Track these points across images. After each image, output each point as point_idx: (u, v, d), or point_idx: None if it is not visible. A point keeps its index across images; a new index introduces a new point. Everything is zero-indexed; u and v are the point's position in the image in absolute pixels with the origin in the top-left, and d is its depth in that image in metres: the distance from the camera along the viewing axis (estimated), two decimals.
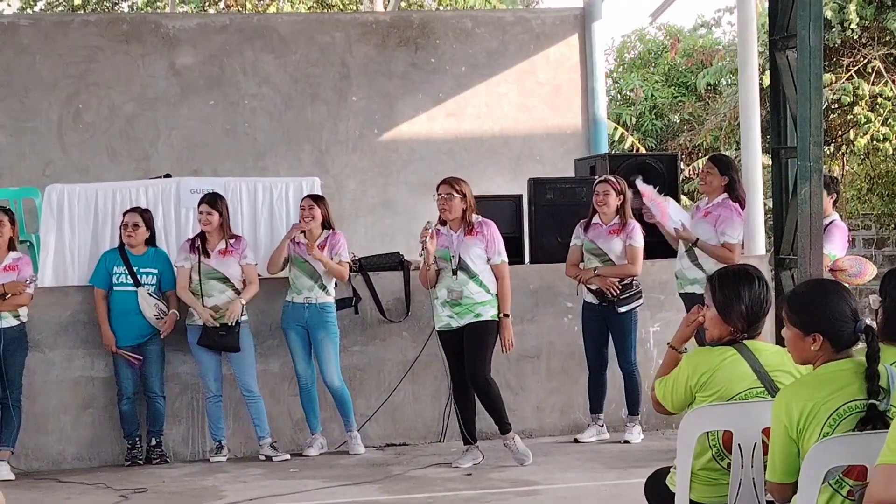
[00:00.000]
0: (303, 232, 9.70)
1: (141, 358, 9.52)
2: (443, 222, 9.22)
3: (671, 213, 9.82)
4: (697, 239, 9.58)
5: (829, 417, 4.23)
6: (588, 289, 9.86)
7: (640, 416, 9.96)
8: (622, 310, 9.76)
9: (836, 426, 4.21)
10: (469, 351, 9.04)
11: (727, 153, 21.96)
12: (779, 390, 4.72)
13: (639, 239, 9.73)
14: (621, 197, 9.76)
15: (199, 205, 9.69)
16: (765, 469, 4.60)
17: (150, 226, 9.76)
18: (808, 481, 4.17)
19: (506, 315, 9.11)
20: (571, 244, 9.96)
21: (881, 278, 4.86)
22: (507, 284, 9.13)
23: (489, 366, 9.11)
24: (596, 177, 10.90)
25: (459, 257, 9.06)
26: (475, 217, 9.18)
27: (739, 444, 4.85)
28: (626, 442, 9.84)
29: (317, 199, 9.89)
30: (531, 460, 9.12)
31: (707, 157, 10.54)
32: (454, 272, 9.06)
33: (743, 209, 9.62)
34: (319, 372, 9.71)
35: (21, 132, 13.66)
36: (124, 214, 9.74)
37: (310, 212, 9.72)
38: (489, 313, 9.08)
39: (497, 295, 9.11)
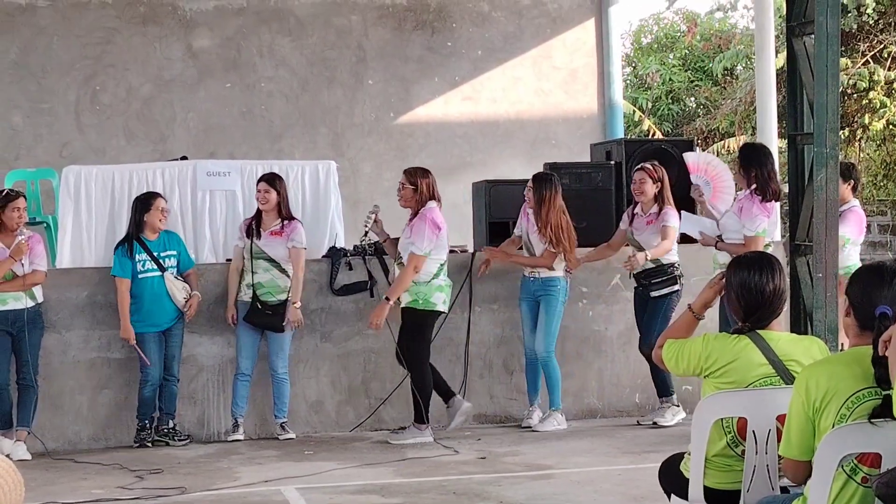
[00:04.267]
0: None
1: (150, 363, 9.56)
2: None
3: (686, 224, 9.75)
4: (717, 242, 9.51)
5: (847, 399, 4.23)
6: (631, 274, 9.93)
7: (673, 397, 9.92)
8: (653, 294, 9.81)
9: (854, 408, 4.21)
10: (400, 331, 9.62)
11: (743, 138, 21.93)
12: (793, 378, 4.74)
13: (672, 219, 9.74)
14: (658, 185, 9.78)
15: (258, 183, 9.79)
16: (779, 458, 4.61)
17: None
18: (822, 468, 4.19)
19: (386, 298, 9.49)
20: (619, 227, 10.13)
21: None
22: (406, 272, 9.42)
23: (415, 353, 9.50)
24: (612, 161, 10.93)
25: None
26: (424, 208, 9.59)
27: (754, 431, 4.86)
28: (655, 424, 9.80)
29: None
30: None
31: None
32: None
33: (775, 200, 9.41)
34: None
35: (38, 113, 13.69)
36: (150, 200, 9.66)
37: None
38: (405, 300, 9.50)
39: (417, 282, 9.49)
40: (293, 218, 9.90)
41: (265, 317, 9.68)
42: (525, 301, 9.99)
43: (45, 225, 11.66)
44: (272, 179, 9.84)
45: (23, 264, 9.26)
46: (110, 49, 13.87)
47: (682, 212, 9.83)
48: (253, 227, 9.82)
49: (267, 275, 9.71)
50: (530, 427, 9.96)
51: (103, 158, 12.99)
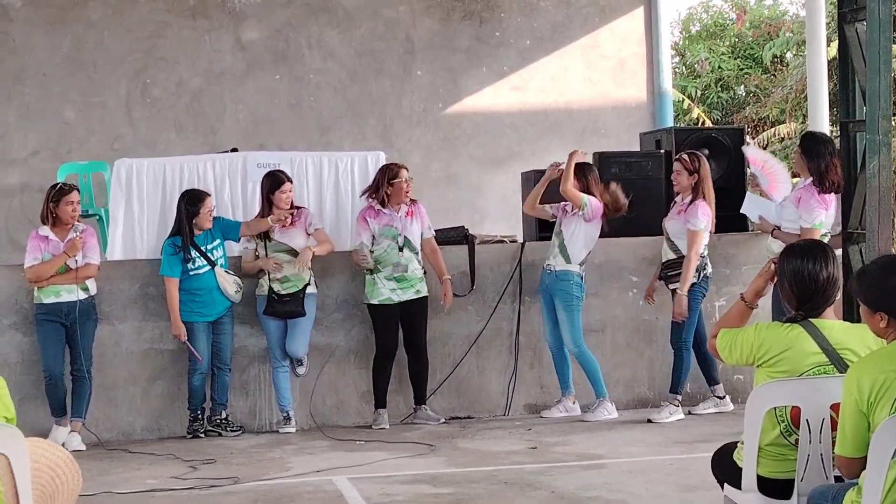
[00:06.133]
0: None
1: (201, 359, 9.63)
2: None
3: (749, 205, 9.71)
4: (774, 229, 9.45)
5: None
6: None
7: (679, 397, 9.82)
8: (671, 287, 9.73)
9: None
10: (416, 323, 9.91)
11: (794, 126, 21.77)
12: (847, 366, 4.71)
13: (697, 220, 9.55)
14: (695, 176, 9.66)
15: (280, 185, 9.74)
16: (833, 444, 4.59)
17: None
18: (877, 457, 4.17)
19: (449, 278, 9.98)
20: None
21: None
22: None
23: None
24: (661, 150, 10.89)
25: (405, 236, 9.84)
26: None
27: (808, 420, 4.84)
28: (650, 421, 9.74)
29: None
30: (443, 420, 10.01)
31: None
32: (400, 249, 9.83)
33: (835, 192, 9.26)
34: None
35: (90, 107, 13.80)
36: (198, 204, 9.63)
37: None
38: (424, 290, 9.91)
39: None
40: (298, 206, 9.96)
41: (284, 304, 9.71)
42: (542, 293, 10.01)
43: (97, 217, 11.76)
44: (290, 178, 9.89)
45: (76, 259, 9.34)
46: (161, 42, 13.95)
47: (748, 193, 9.80)
48: None
49: (292, 268, 9.76)
50: (548, 416, 10.01)
51: (154, 151, 13.08)
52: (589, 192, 9.81)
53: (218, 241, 9.74)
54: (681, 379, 9.79)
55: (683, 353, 9.73)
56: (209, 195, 9.80)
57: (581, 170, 9.87)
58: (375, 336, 9.88)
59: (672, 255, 9.73)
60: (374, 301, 9.80)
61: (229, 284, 9.68)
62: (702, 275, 9.68)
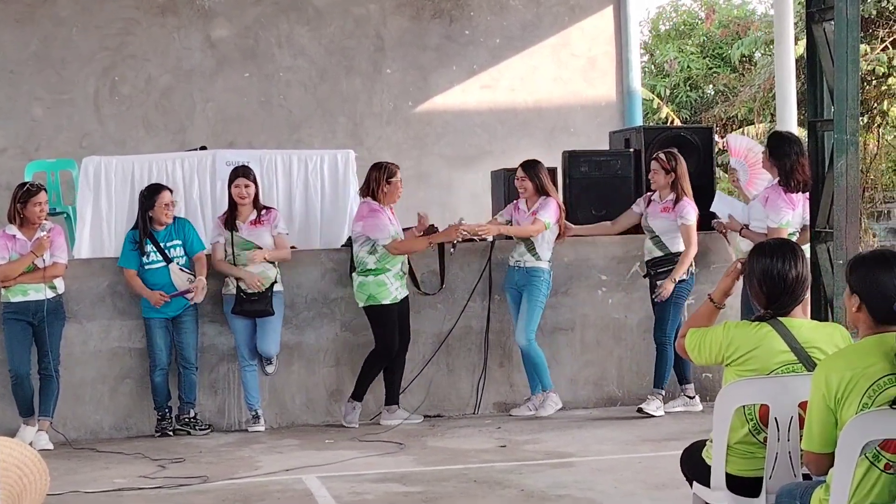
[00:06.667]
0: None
1: (165, 299, 9.53)
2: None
3: (719, 203, 9.80)
4: (742, 228, 9.53)
5: (868, 388, 4.23)
6: (643, 263, 10.01)
7: (663, 392, 9.94)
8: (659, 283, 9.80)
9: (875, 397, 4.21)
10: (408, 319, 9.93)
11: (762, 126, 21.85)
12: (815, 365, 4.73)
13: (690, 216, 9.70)
14: (672, 175, 9.76)
15: (235, 178, 9.72)
16: (801, 441, 4.61)
17: None
18: (844, 454, 4.19)
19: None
20: (631, 209, 10.13)
21: None
22: None
23: None
24: (630, 149, 10.93)
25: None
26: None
27: (776, 418, 4.86)
28: (640, 410, 9.85)
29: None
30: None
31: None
32: None
33: (802, 191, 9.29)
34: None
35: (58, 104, 13.73)
36: (153, 196, 9.60)
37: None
38: (404, 292, 9.90)
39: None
40: (268, 207, 9.92)
41: (252, 304, 9.67)
42: (509, 291, 10.05)
43: (65, 215, 11.71)
44: (248, 173, 9.81)
45: (44, 258, 9.29)
46: (129, 40, 13.90)
47: (717, 192, 9.88)
48: (229, 221, 9.76)
49: (258, 266, 9.70)
50: (518, 414, 10.04)
51: (123, 149, 13.02)
52: (544, 191, 9.88)
53: (178, 241, 9.68)
54: (665, 374, 9.86)
55: (667, 347, 9.79)
56: (167, 189, 9.74)
57: (531, 170, 9.93)
58: (381, 336, 9.72)
59: (659, 253, 9.82)
60: (386, 301, 9.71)
61: (182, 282, 9.61)
62: (689, 272, 9.79)
